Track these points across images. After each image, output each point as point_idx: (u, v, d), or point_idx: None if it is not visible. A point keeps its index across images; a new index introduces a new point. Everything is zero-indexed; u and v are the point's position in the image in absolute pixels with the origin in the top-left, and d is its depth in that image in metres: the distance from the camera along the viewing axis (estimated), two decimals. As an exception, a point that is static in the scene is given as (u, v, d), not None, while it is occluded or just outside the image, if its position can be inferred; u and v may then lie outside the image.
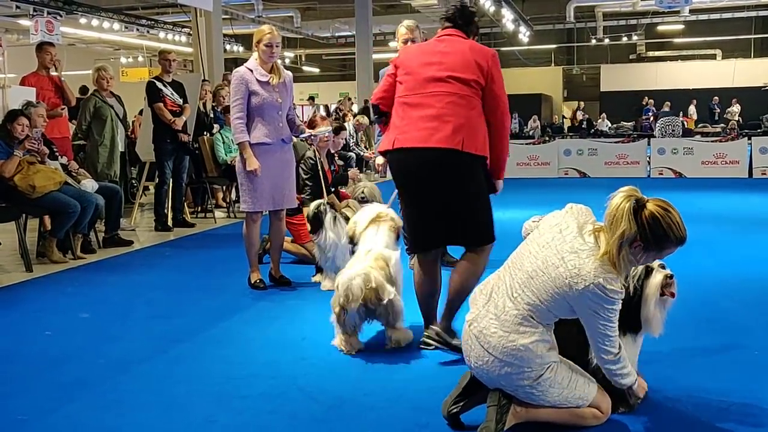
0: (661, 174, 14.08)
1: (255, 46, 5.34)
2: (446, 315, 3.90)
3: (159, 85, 8.30)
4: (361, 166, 13.49)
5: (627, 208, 2.62)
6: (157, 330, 4.53)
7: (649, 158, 14.41)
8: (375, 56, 26.48)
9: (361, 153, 13.41)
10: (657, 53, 33.69)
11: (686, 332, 4.07)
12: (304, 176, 6.46)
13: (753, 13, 30.48)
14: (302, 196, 6.57)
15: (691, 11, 29.99)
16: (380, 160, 5.79)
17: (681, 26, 32.26)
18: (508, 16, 21.04)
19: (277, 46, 5.29)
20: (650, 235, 2.61)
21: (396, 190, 4.11)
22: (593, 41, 30.65)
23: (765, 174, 13.37)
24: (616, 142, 15.14)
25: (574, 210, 2.85)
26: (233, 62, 37.55)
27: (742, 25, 32.04)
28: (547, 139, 28.38)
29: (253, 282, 5.53)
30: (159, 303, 5.24)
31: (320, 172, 6.54)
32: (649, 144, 14.71)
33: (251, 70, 5.28)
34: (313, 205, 5.64)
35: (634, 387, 2.89)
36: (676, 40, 33.08)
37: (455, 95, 3.73)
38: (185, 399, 3.38)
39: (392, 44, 32.94)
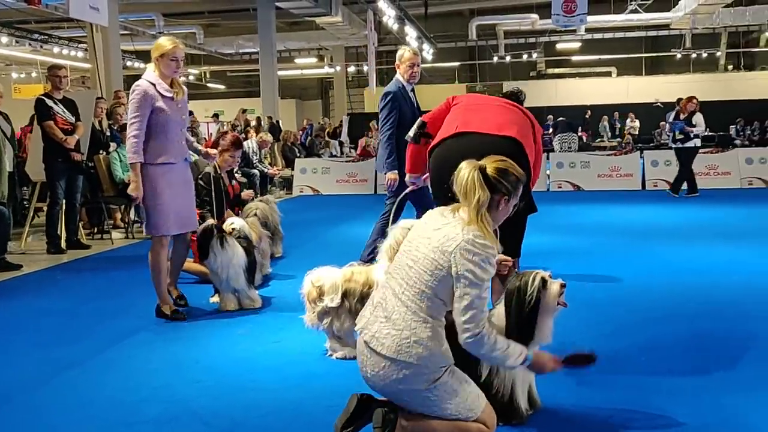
0: (560, 187, 14.53)
1: (156, 59, 4.95)
2: None
3: (49, 102, 7.98)
4: (265, 183, 13.36)
5: (476, 177, 2.77)
6: (42, 358, 4.31)
7: (549, 173, 14.84)
8: (280, 73, 26.37)
9: (265, 170, 13.27)
10: (556, 70, 34.96)
11: (574, 337, 4.18)
12: (203, 191, 6.33)
13: (643, 33, 32.11)
14: (201, 211, 6.43)
15: (587, 30, 31.32)
16: (392, 175, 5.83)
17: (578, 44, 33.60)
18: (411, 33, 21.33)
19: (182, 60, 5.03)
20: (506, 186, 2.81)
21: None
22: (495, 59, 31.52)
23: (656, 186, 13.99)
24: (608, 155, 15.27)
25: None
26: (134, 78, 36.66)
27: (634, 44, 33.70)
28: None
29: (168, 314, 5.11)
30: (47, 330, 5.00)
31: (221, 187, 6.43)
32: (548, 158, 15.15)
33: (153, 84, 4.91)
34: (199, 230, 5.37)
35: (528, 362, 2.88)
36: (574, 58, 34.43)
37: (515, 112, 4.13)
38: (65, 429, 3.22)
39: (298, 60, 32.96)
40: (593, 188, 14.17)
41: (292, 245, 7.99)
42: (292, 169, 15.55)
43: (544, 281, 3.09)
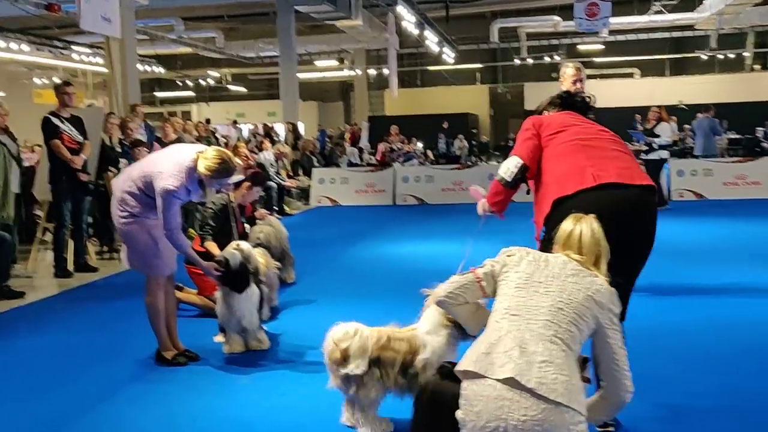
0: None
1: (205, 175, 4.54)
2: None
3: (55, 120, 7.77)
4: (282, 195, 13.11)
5: (598, 231, 2.89)
6: (21, 412, 4.05)
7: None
8: (300, 75, 26.14)
9: (282, 182, 13.01)
10: (580, 72, 34.41)
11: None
12: (209, 214, 6.05)
13: (667, 34, 31.47)
14: (200, 233, 6.16)
15: (610, 32, 30.74)
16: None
17: (601, 46, 33.04)
18: (432, 38, 20.99)
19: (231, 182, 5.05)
20: None
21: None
22: (517, 61, 31.07)
23: (682, 197, 13.56)
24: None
25: (521, 251, 2.93)
26: (156, 82, 36.68)
27: (658, 45, 33.07)
28: (470, 164, 28.67)
29: (170, 359, 4.84)
30: (35, 374, 4.74)
31: (229, 217, 6.16)
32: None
33: (189, 192, 4.66)
34: (234, 260, 4.97)
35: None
36: (597, 60, 33.87)
37: (622, 144, 3.63)
38: None
39: (318, 63, 32.72)
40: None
41: (305, 269, 7.70)
42: (310, 179, 15.29)
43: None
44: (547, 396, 2.47)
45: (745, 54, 32.73)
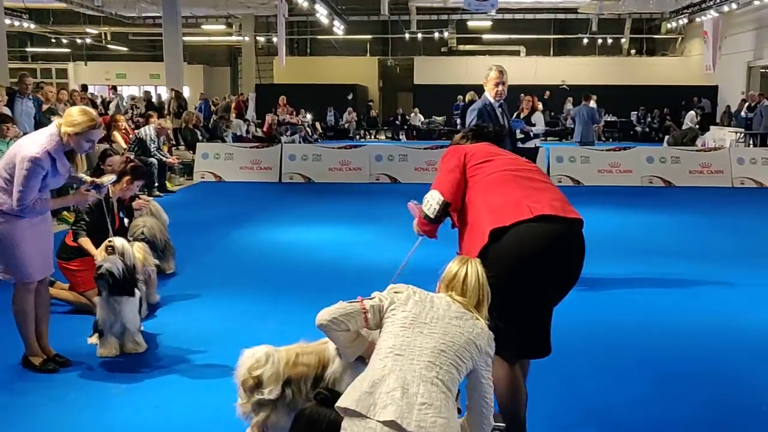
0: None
1: (69, 134, 4.27)
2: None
3: None
4: (163, 172, 12.67)
5: (483, 275, 2.95)
6: None
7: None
8: (186, 38, 25.22)
9: (164, 158, 12.56)
10: (467, 47, 34.99)
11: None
12: (83, 208, 5.74)
13: (552, 16, 32.49)
14: (73, 228, 5.86)
15: (498, 10, 31.37)
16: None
17: (489, 23, 33.72)
18: (321, 11, 20.71)
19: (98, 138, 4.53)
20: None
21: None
22: (407, 34, 31.21)
23: (561, 182, 14.12)
24: (425, 149, 15.33)
25: (408, 289, 2.95)
26: (28, 37, 34.36)
27: (544, 25, 34.10)
28: (359, 135, 28.65)
29: (37, 365, 4.59)
30: None
31: (105, 211, 5.86)
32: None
33: (54, 159, 4.28)
34: (116, 266, 4.78)
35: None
36: (485, 36, 34.54)
37: (545, 176, 3.64)
38: None
39: (206, 27, 31.63)
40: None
41: (186, 257, 7.47)
42: (194, 154, 14.85)
43: None
44: None
45: (623, 39, 34.27)
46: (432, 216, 3.55)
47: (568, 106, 26.36)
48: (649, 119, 28.78)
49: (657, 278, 6.95)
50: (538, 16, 32.73)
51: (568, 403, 4.15)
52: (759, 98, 20.56)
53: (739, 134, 20.55)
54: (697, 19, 29.07)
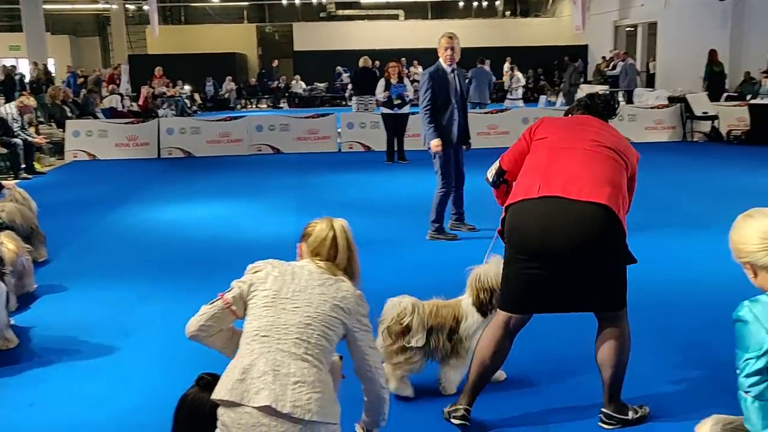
0: (351, 148, 14.50)
1: None
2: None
3: None
4: (30, 153, 11.99)
5: (349, 233, 2.98)
6: None
7: (340, 132, 14.75)
8: (47, 6, 23.70)
9: (29, 138, 11.88)
10: (346, 12, 34.80)
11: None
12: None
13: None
14: None
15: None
16: (436, 142, 6.82)
17: (366, -13, 33.62)
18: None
19: None
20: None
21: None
22: (284, 0, 30.67)
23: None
24: (307, 117, 15.20)
25: (267, 265, 2.87)
26: None
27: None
28: (240, 105, 28.04)
29: None
30: None
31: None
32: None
33: None
34: None
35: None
36: (363, 1, 34.43)
37: (604, 154, 3.40)
38: None
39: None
40: (382, 148, 14.26)
41: (61, 242, 7.16)
42: (63, 131, 14.12)
43: None
44: (302, 417, 2.55)
45: (497, 2, 35.03)
46: (491, 180, 3.83)
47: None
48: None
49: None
50: (415, -22, 32.97)
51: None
52: (624, 56, 21.62)
53: (606, 92, 21.55)
54: (566, -19, 30.13)
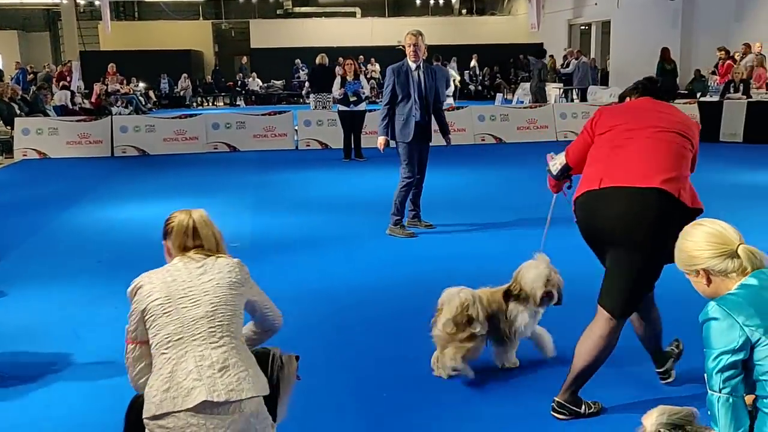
0: (308, 146, 14.46)
1: None
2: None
3: None
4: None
5: (206, 217, 2.97)
6: None
7: (297, 129, 14.69)
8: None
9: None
10: (303, 9, 34.61)
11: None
12: None
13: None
14: None
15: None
16: (382, 139, 7.11)
17: (324, -16, 33.52)
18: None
19: None
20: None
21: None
22: (240, -4, 30.40)
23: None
24: (263, 115, 15.11)
25: (143, 279, 2.79)
26: None
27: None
28: (196, 103, 27.70)
29: None
30: None
31: None
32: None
33: None
34: None
35: None
36: (320, -1, 34.36)
37: (666, 140, 3.49)
38: None
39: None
40: (339, 146, 14.22)
41: (10, 243, 7.00)
42: (12, 129, 13.77)
43: (280, 359, 2.92)
44: (240, 398, 2.55)
45: (453, 0, 35.22)
46: (554, 173, 3.95)
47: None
48: (480, 77, 29.89)
49: (489, 231, 7.32)
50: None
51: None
52: (578, 54, 21.93)
53: (560, 89, 21.82)
54: (520, -21, 30.43)
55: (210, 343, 2.61)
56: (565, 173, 3.91)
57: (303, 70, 27.26)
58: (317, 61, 14.50)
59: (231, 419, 2.54)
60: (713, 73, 17.81)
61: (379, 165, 12.08)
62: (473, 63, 29.83)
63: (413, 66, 6.98)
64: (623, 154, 3.43)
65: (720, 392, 2.30)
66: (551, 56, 24.17)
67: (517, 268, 4.05)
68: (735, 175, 10.30)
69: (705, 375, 2.36)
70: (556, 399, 3.51)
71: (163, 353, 2.62)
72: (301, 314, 5.00)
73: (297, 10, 34.53)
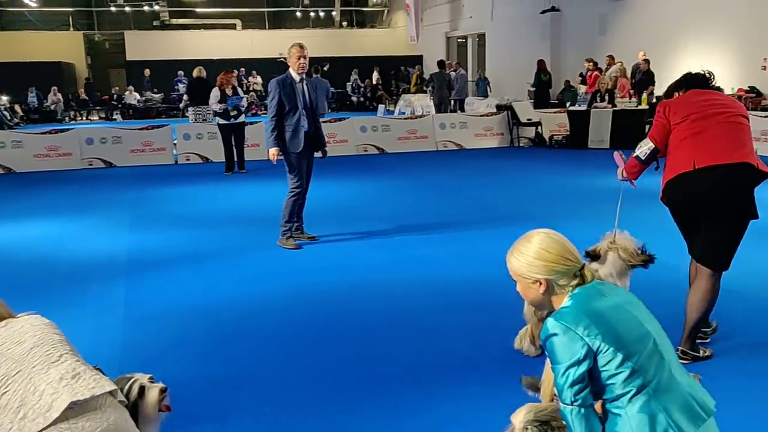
0: (188, 160, 14.16)
1: None
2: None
3: None
4: None
5: None
6: None
7: (176, 143, 14.36)
8: None
9: None
10: (181, 21, 33.90)
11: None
12: None
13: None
14: None
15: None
16: (273, 150, 6.97)
17: (202, -4, 32.99)
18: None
19: None
20: None
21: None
22: (113, 7, 29.42)
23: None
24: (141, 129, 14.66)
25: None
26: None
27: (257, -2, 34.16)
28: (69, 118, 26.52)
29: None
30: None
31: None
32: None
33: None
34: None
35: None
36: (198, 10, 33.72)
37: (736, 123, 4.22)
38: None
39: None
40: (220, 159, 14.01)
41: None
42: None
43: (141, 389, 2.79)
44: (105, 390, 2.43)
45: (334, 12, 35.48)
46: (643, 158, 4.40)
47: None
48: (362, 89, 30.23)
49: (372, 240, 7.42)
50: (252, -12, 32.74)
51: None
52: (456, 66, 22.57)
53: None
54: (399, -7, 31.06)
55: (52, 362, 2.46)
56: (653, 157, 4.44)
57: (182, 83, 26.66)
58: (194, 73, 14.30)
59: (103, 413, 2.39)
60: (582, 82, 18.78)
61: (262, 177, 12.01)
62: (354, 75, 30.15)
63: (297, 78, 7.02)
64: (706, 139, 4.14)
65: (572, 405, 2.34)
66: (419, 70, 24.73)
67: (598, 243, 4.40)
68: (602, 180, 10.90)
69: (555, 390, 2.43)
70: (680, 348, 4.13)
71: (5, 392, 2.43)
72: (180, 329, 4.92)
73: (174, 21, 33.77)
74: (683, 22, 17.72)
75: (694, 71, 4.56)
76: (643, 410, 2.31)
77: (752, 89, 16.10)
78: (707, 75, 4.50)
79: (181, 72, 27.45)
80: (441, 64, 20.05)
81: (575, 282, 2.49)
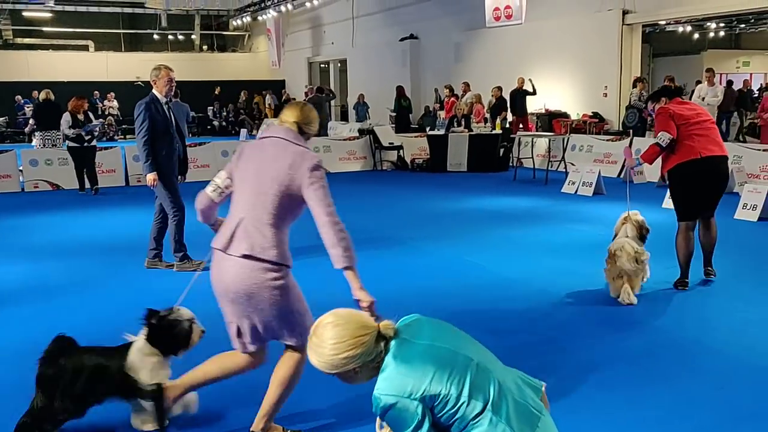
0: (37, 187, 13.33)
1: None
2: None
3: None
4: None
5: None
6: None
7: (21, 170, 13.49)
8: None
9: None
10: (26, 41, 32.06)
11: None
12: None
13: (119, 9, 31.55)
14: None
15: (57, 2, 29.41)
16: (152, 176, 6.67)
17: (49, 15, 31.40)
18: None
19: None
20: None
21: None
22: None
23: (140, 181, 13.83)
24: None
25: None
26: None
27: (112, 20, 32.94)
28: None
29: None
30: None
31: None
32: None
33: None
34: None
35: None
36: (46, 29, 32.04)
37: (712, 123, 6.27)
38: None
39: None
40: (72, 186, 13.30)
41: None
42: None
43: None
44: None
45: (193, 35, 34.79)
46: (664, 145, 5.90)
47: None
48: (224, 113, 29.75)
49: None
50: (104, 9, 31.55)
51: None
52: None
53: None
54: (261, 17, 30.90)
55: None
56: (671, 145, 5.90)
57: (27, 107, 25.15)
58: (41, 97, 13.64)
59: None
60: (441, 108, 19.39)
61: (116, 204, 11.50)
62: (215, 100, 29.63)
63: (163, 100, 6.81)
64: (707, 136, 5.93)
65: None
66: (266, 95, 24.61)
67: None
68: (463, 202, 11.24)
69: None
70: (707, 267, 6.28)
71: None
72: (10, 373, 4.57)
73: (19, 41, 31.89)
74: (535, 52, 18.71)
75: (666, 84, 6.73)
76: (488, 430, 2.37)
77: (595, 114, 17.21)
78: (680, 87, 6.61)
79: (18, 96, 25.98)
80: (320, 89, 20.06)
81: (382, 344, 2.50)
